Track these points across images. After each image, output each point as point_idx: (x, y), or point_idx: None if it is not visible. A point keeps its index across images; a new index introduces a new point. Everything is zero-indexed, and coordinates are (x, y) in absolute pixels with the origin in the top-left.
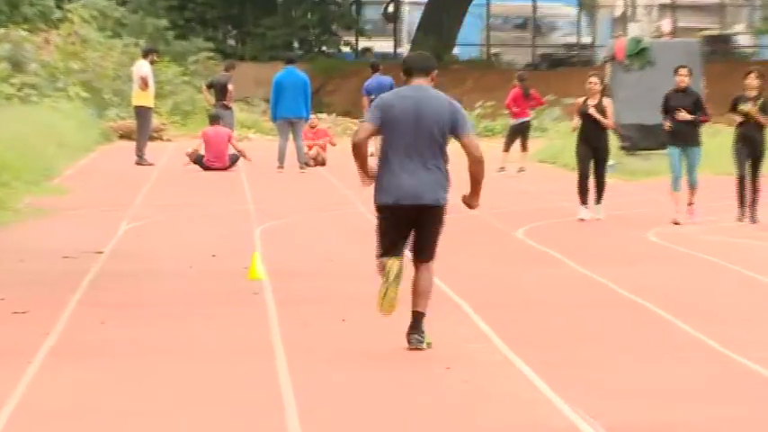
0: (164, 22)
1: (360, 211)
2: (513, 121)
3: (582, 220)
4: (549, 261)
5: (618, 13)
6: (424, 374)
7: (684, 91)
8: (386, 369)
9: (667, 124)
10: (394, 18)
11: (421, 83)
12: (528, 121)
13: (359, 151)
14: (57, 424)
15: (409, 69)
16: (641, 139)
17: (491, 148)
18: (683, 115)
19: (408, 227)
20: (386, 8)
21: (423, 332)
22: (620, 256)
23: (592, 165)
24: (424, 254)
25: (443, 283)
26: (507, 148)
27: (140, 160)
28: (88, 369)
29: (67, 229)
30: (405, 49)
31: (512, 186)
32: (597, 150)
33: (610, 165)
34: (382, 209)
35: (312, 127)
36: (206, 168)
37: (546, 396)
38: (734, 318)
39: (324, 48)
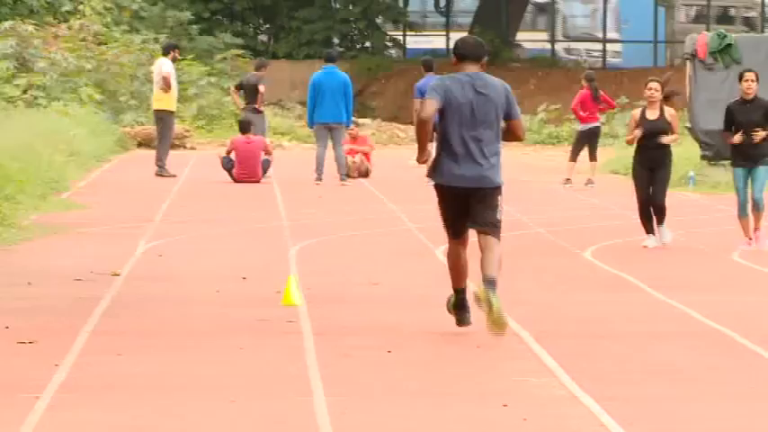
0: (187, 15)
1: (407, 228)
2: (580, 127)
3: (646, 247)
4: (622, 285)
5: None
6: (478, 412)
7: (752, 102)
8: (436, 406)
9: (736, 138)
10: (446, 10)
11: (473, 69)
12: (597, 127)
13: (425, 127)
14: None
15: (462, 55)
16: (725, 148)
17: (556, 157)
18: (760, 135)
19: (466, 207)
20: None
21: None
22: (702, 279)
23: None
24: (486, 225)
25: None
26: (574, 158)
27: (161, 171)
28: (103, 406)
29: (79, 249)
30: None
31: (579, 201)
32: (657, 171)
33: (689, 176)
34: (439, 188)
35: (354, 138)
36: (236, 181)
37: None
38: None
39: (367, 44)
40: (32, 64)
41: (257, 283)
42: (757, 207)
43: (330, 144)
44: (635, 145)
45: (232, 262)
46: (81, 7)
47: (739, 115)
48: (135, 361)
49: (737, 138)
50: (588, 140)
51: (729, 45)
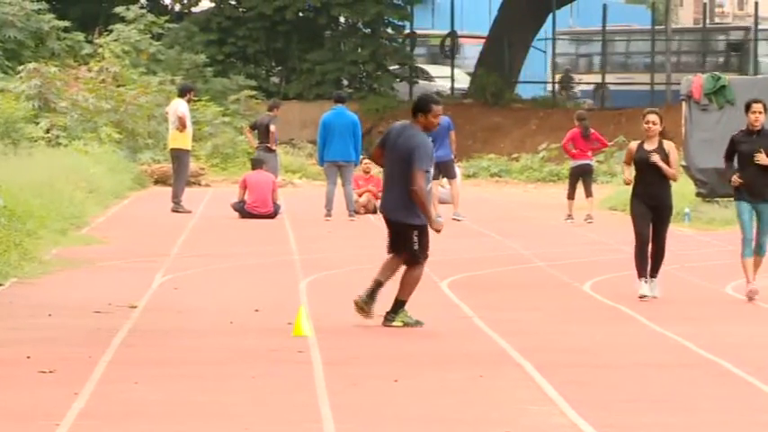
0: (202, 58)
1: None
2: (571, 163)
3: (642, 297)
4: (619, 317)
5: None
6: None
7: (758, 133)
8: None
9: (735, 178)
10: (452, 52)
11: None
12: (588, 164)
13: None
14: None
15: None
16: (720, 186)
17: (557, 195)
18: (763, 158)
19: None
20: (442, 43)
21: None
22: (697, 312)
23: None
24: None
25: (504, 341)
26: (572, 195)
27: (177, 207)
28: None
29: (98, 282)
30: (464, 85)
31: (578, 236)
32: (658, 208)
33: (685, 213)
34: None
35: (366, 172)
36: (248, 215)
37: None
38: None
39: (375, 85)
40: (54, 104)
41: (269, 314)
42: (760, 250)
43: (339, 182)
44: (633, 180)
45: (245, 294)
46: (100, 50)
47: (743, 145)
48: (151, 389)
49: (735, 179)
50: (581, 177)
51: (723, 86)
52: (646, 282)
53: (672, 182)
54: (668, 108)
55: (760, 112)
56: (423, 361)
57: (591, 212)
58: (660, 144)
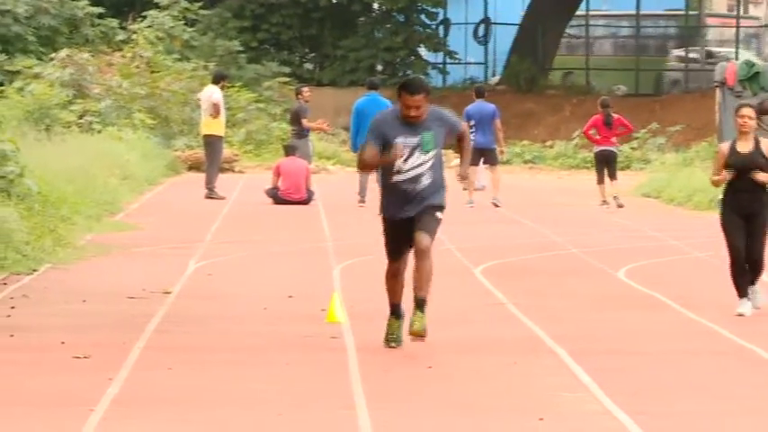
0: (235, 45)
1: (447, 248)
2: (594, 149)
3: (741, 315)
4: (653, 304)
5: None
6: (515, 425)
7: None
8: (475, 420)
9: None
10: (485, 39)
11: None
12: (611, 151)
13: None
14: None
15: None
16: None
17: (590, 182)
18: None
19: None
20: (476, 29)
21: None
22: (731, 299)
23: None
24: None
25: (538, 327)
26: (600, 180)
27: (211, 193)
28: (154, 419)
29: (132, 268)
30: (496, 73)
31: (612, 222)
32: (752, 219)
33: (719, 199)
34: None
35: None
36: (282, 201)
37: None
38: None
39: (409, 71)
40: (88, 91)
41: (303, 301)
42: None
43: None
44: (723, 186)
45: (278, 281)
46: (134, 36)
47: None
48: (185, 375)
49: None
50: (605, 162)
51: (758, 73)
52: (748, 300)
53: None
54: (702, 94)
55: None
56: (456, 347)
57: (618, 196)
58: (757, 144)
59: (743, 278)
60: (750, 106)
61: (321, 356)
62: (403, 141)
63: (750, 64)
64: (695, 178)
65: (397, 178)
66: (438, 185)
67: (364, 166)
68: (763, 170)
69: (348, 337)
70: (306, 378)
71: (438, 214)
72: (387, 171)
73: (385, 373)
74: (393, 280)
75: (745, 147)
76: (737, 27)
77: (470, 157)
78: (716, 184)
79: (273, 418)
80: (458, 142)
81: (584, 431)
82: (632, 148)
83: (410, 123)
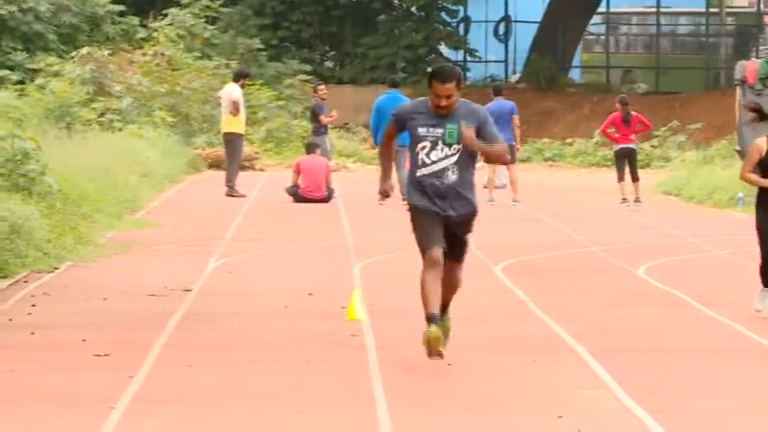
0: (256, 42)
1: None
2: (614, 147)
3: (758, 311)
4: (673, 302)
5: None
6: (535, 422)
7: None
8: (494, 417)
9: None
10: (505, 37)
11: None
12: (631, 149)
13: None
14: None
15: None
16: None
17: (610, 179)
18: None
19: None
20: (496, 27)
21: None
22: (750, 296)
23: None
24: None
25: (558, 325)
26: (621, 177)
27: (231, 191)
28: (175, 417)
29: (153, 266)
30: (516, 71)
31: (632, 220)
32: None
33: (739, 197)
34: None
35: None
36: (302, 199)
37: None
38: None
39: (429, 69)
40: (109, 88)
41: (323, 298)
42: None
43: (393, 166)
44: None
45: (299, 278)
46: (155, 34)
47: None
48: (206, 373)
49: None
50: (625, 159)
51: None
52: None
53: None
54: (722, 92)
55: None
56: (477, 345)
57: (639, 196)
58: None
59: None
60: None
61: (341, 354)
62: (425, 132)
63: None
64: (715, 176)
65: (421, 172)
66: (467, 184)
67: (380, 152)
68: None
69: (368, 335)
70: (325, 376)
71: (469, 236)
72: (413, 163)
73: (405, 371)
74: (431, 273)
75: None
76: None
77: (497, 150)
78: (751, 182)
79: (293, 416)
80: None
81: (603, 429)
82: (653, 146)
83: (438, 114)
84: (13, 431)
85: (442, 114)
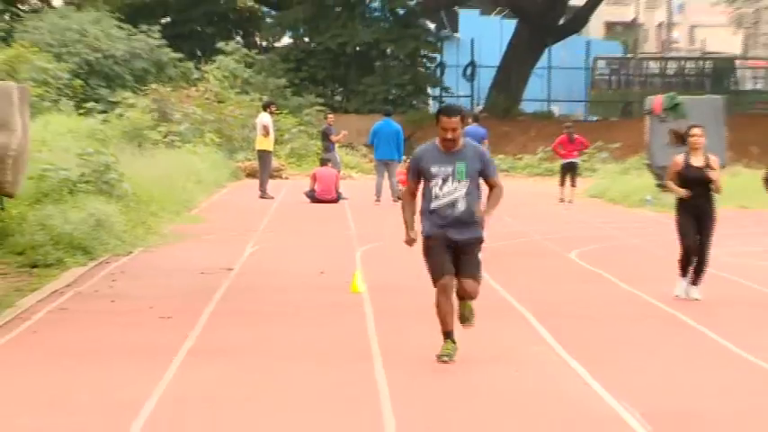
0: (283, 81)
1: None
2: (562, 161)
3: (677, 297)
4: (597, 279)
5: None
6: (495, 374)
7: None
8: (461, 369)
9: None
10: (471, 77)
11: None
12: (574, 162)
13: None
14: (194, 411)
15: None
16: None
17: (551, 186)
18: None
19: None
20: (464, 70)
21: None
22: (658, 273)
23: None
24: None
25: (510, 296)
26: (562, 182)
27: (263, 195)
28: (220, 366)
29: (203, 251)
30: (480, 103)
31: (566, 216)
32: (702, 220)
33: (647, 199)
34: None
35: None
36: (317, 201)
37: (593, 389)
38: (752, 327)
39: (414, 102)
40: (170, 116)
41: (332, 275)
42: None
43: (386, 175)
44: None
45: (313, 260)
46: (206, 75)
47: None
48: (243, 332)
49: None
50: (568, 171)
51: (677, 104)
52: (684, 280)
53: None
54: (637, 120)
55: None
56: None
57: (573, 198)
58: (707, 159)
59: (688, 265)
60: (700, 127)
61: (346, 318)
62: (437, 170)
63: (672, 97)
64: (630, 183)
65: (435, 204)
66: (473, 212)
67: (402, 206)
68: (711, 181)
69: (367, 305)
70: (334, 333)
71: (479, 255)
72: (426, 198)
73: (396, 332)
74: (443, 297)
75: (697, 161)
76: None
77: (497, 204)
78: (671, 189)
79: (307, 367)
80: (489, 189)
81: (545, 377)
82: (583, 161)
83: (447, 153)
84: (98, 375)
85: (450, 152)
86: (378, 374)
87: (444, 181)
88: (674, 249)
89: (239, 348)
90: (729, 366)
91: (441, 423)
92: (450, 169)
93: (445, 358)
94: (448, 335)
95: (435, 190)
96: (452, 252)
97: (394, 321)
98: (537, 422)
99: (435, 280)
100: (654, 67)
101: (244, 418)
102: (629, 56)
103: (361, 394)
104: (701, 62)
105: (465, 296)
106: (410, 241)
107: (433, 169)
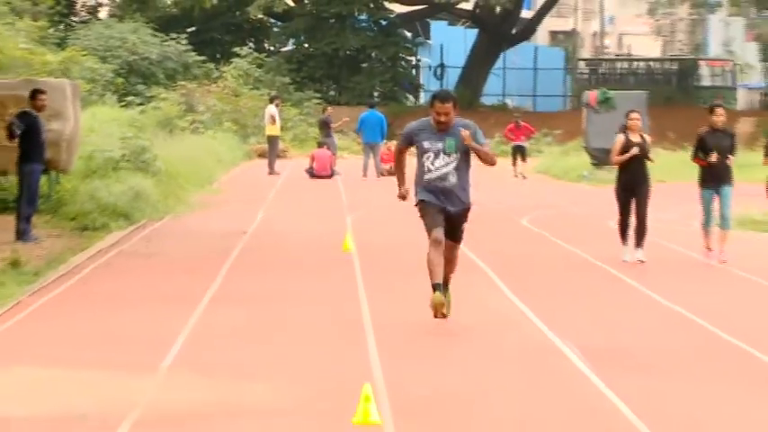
0: (287, 79)
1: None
2: (512, 144)
3: (625, 261)
4: (546, 241)
5: None
6: (468, 319)
7: (722, 131)
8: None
9: (714, 157)
10: (441, 76)
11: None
12: (521, 146)
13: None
14: (217, 349)
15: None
16: (605, 158)
17: (506, 165)
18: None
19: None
20: (435, 70)
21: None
22: (586, 236)
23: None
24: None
25: (473, 254)
26: (514, 163)
27: (271, 171)
28: (238, 310)
29: (222, 217)
30: None
31: (519, 189)
32: (638, 188)
33: (585, 175)
34: None
35: (389, 149)
36: (315, 177)
37: (537, 326)
38: (664, 271)
39: (395, 96)
40: (195, 108)
41: (327, 236)
42: (725, 224)
43: (371, 155)
44: (617, 167)
45: (312, 224)
46: (224, 74)
47: (711, 141)
48: (255, 282)
49: (714, 156)
50: (519, 152)
51: (609, 98)
52: (626, 246)
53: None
54: (576, 111)
55: (721, 114)
56: (415, 266)
57: (524, 173)
58: (642, 137)
59: (627, 233)
60: (637, 111)
61: (340, 269)
62: (429, 145)
63: (604, 92)
64: (569, 162)
65: (428, 176)
66: (464, 185)
67: (395, 165)
68: (646, 155)
69: (355, 259)
70: (330, 282)
71: (465, 224)
72: (420, 170)
73: (379, 281)
74: (434, 250)
75: (635, 138)
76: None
77: (486, 150)
78: (617, 162)
79: (308, 310)
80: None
81: (504, 324)
82: (531, 144)
83: (439, 130)
84: (135, 317)
85: (441, 130)
86: (364, 311)
87: (436, 156)
88: (607, 216)
89: (253, 296)
90: (652, 311)
91: (419, 349)
92: (440, 145)
93: (442, 311)
94: (436, 287)
95: (427, 164)
96: (445, 219)
97: (377, 273)
98: (490, 349)
99: (429, 231)
100: (626, 67)
101: (258, 353)
102: (605, 57)
103: (351, 329)
104: (667, 62)
105: (449, 261)
106: (402, 196)
107: (426, 144)
